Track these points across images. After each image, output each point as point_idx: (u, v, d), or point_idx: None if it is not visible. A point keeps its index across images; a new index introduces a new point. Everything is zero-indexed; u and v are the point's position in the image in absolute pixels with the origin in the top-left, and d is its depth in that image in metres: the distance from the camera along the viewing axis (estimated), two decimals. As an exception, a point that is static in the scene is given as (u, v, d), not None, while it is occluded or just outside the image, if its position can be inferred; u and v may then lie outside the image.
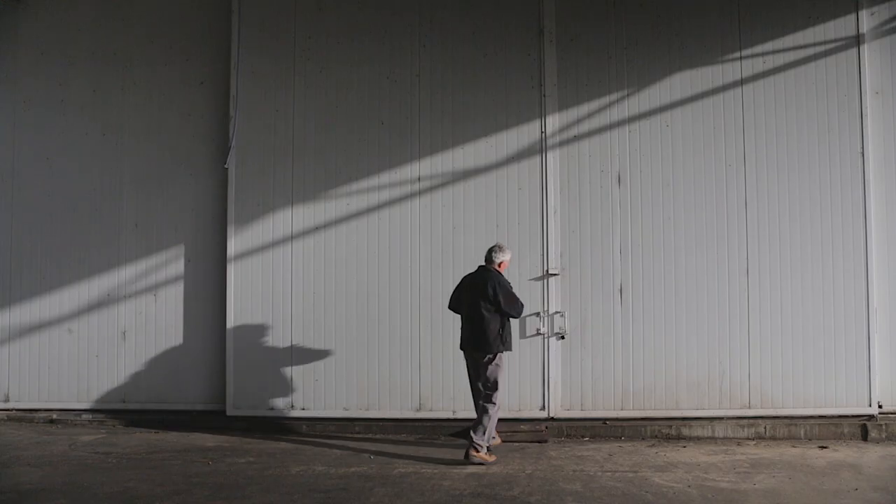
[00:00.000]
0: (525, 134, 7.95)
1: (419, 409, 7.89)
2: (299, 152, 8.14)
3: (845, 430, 7.46)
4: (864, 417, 7.53)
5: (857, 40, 7.76)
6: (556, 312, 7.80)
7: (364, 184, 8.06)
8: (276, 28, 8.27)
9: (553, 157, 7.89)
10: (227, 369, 8.06)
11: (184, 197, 8.38)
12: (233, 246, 8.12)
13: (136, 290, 8.36)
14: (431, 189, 8.01)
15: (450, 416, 7.77)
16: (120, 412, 8.27)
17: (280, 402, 8.03)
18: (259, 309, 8.08)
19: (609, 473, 6.22)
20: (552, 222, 7.86)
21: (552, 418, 7.73)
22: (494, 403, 6.70)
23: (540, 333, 7.77)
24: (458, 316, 7.15)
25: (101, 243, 8.42)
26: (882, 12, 7.84)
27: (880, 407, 7.61)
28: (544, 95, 7.94)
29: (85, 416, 8.21)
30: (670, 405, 7.67)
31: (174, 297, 8.30)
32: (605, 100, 7.91)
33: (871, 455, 6.87)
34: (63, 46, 8.65)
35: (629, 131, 7.88)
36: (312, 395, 8.01)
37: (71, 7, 8.70)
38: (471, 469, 6.35)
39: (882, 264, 7.71)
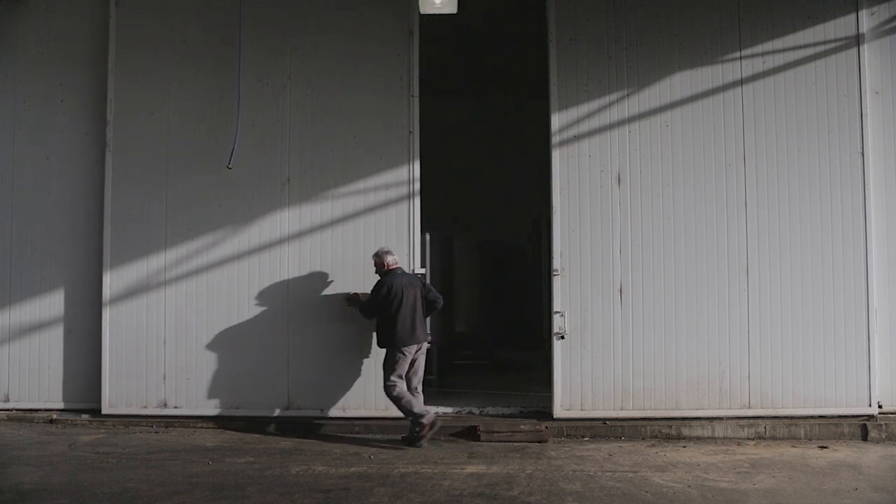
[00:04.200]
0: (394, 133, 8.01)
1: (287, 408, 7.94)
2: (174, 155, 8.16)
3: (845, 430, 7.46)
4: (864, 417, 7.53)
5: (857, 40, 7.76)
6: (556, 312, 7.79)
7: (235, 186, 8.08)
8: (153, 31, 8.28)
9: (553, 157, 7.88)
10: (103, 367, 8.07)
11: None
12: (109, 244, 8.12)
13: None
14: (301, 190, 8.05)
15: (318, 414, 7.87)
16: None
17: (154, 401, 8.06)
18: (134, 308, 8.09)
19: (609, 473, 6.22)
20: (553, 222, 7.86)
21: (552, 418, 7.73)
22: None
23: None
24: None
25: (98, 243, 8.42)
26: (882, 12, 7.84)
27: (880, 407, 7.61)
28: (412, 96, 8.01)
29: (85, 416, 8.20)
30: (670, 405, 7.66)
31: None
32: (605, 100, 7.91)
33: (871, 455, 6.87)
34: (63, 46, 8.63)
35: (629, 131, 7.87)
36: (185, 393, 8.04)
37: (71, 6, 8.68)
38: (470, 469, 6.36)
39: (882, 264, 7.71)
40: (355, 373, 7.90)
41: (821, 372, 7.60)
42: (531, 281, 12.48)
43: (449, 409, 8.14)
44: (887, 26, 7.84)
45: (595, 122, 7.90)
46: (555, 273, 7.82)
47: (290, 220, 8.04)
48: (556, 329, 7.80)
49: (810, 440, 7.41)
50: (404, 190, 7.99)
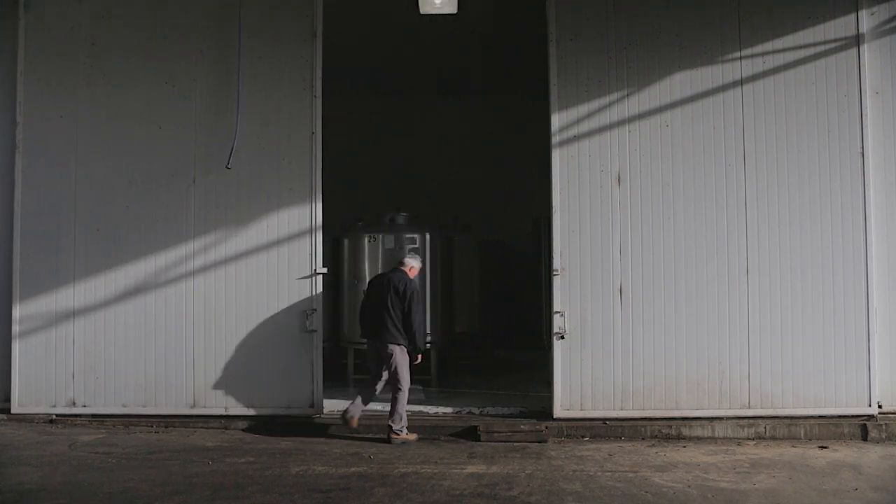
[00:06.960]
0: (297, 134, 8.06)
1: (193, 406, 8.01)
2: (83, 157, 8.19)
3: (845, 430, 7.46)
4: (864, 417, 7.54)
5: (857, 40, 7.76)
6: (556, 312, 7.79)
7: (142, 186, 8.14)
8: (61, 33, 8.30)
9: (553, 157, 7.88)
10: (13, 366, 8.09)
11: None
12: (19, 239, 8.16)
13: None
14: (206, 191, 8.09)
15: (222, 412, 7.97)
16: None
17: (63, 399, 8.09)
18: (44, 306, 8.12)
19: (609, 473, 6.23)
20: (553, 222, 7.85)
21: (552, 418, 7.73)
22: (401, 390, 7.31)
23: None
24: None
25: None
26: (882, 12, 7.84)
27: (880, 407, 7.61)
28: (315, 97, 8.06)
29: (85, 416, 8.21)
30: (670, 405, 7.66)
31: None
32: (605, 100, 7.91)
33: (871, 455, 6.88)
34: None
35: (629, 131, 7.87)
36: (94, 392, 8.08)
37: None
38: (470, 469, 6.36)
39: (882, 264, 7.71)
40: (261, 374, 7.97)
41: (821, 372, 7.60)
42: (531, 281, 12.47)
43: (449, 409, 8.15)
44: (887, 26, 7.84)
45: (595, 122, 7.90)
46: (555, 273, 7.82)
47: (198, 217, 8.08)
48: (555, 329, 7.80)
49: (810, 440, 7.41)
50: (307, 183, 8.01)
